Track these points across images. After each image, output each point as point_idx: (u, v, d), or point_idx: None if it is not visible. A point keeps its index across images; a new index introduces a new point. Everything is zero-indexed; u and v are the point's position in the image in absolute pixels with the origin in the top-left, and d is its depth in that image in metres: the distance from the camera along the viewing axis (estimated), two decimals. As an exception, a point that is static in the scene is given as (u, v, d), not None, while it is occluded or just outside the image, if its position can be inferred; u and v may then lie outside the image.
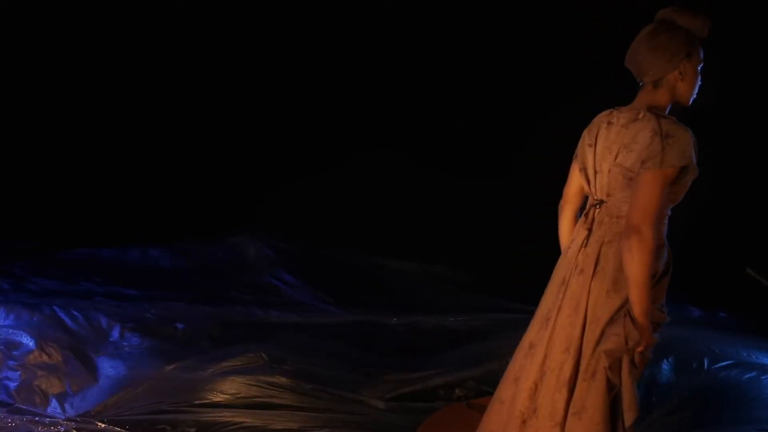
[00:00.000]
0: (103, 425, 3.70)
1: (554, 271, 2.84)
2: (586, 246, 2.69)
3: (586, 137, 2.82)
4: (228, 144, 7.32)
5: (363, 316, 5.28)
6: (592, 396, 2.60)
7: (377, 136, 6.98)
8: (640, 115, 2.65)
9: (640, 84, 2.75)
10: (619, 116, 2.72)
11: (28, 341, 4.42)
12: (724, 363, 4.50)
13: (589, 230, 2.71)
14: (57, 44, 7.08)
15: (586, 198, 2.89)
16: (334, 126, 7.22)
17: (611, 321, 2.60)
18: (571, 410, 2.62)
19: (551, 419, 2.65)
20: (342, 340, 4.85)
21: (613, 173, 2.67)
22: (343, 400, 4.04)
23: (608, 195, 2.69)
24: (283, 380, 4.16)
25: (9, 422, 3.65)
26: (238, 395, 3.95)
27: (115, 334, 4.59)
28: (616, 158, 2.66)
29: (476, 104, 7.00)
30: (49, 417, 3.76)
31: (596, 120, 2.85)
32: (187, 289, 5.61)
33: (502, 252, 6.34)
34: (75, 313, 4.79)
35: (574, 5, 6.28)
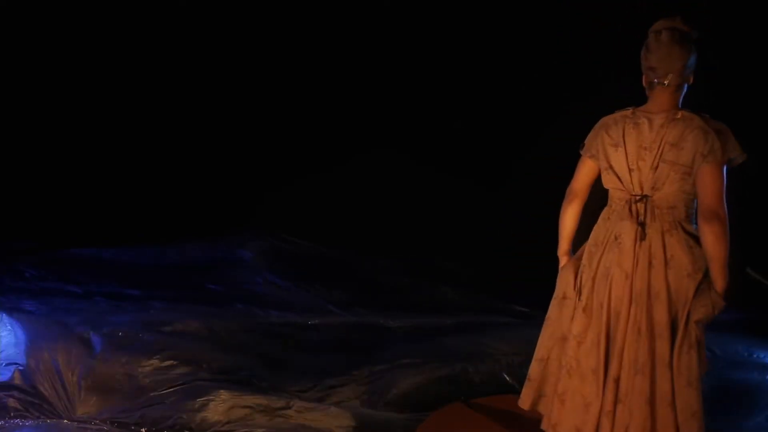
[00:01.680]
0: (104, 426, 3.70)
1: (597, 264, 3.01)
2: (643, 239, 2.92)
3: (605, 137, 2.99)
4: (228, 144, 7.31)
5: (362, 317, 5.28)
6: (694, 365, 2.92)
7: (377, 136, 6.97)
8: (678, 115, 2.91)
9: (664, 84, 2.92)
10: (650, 116, 2.94)
11: (28, 342, 4.41)
12: (725, 363, 4.50)
13: (641, 223, 2.93)
14: (57, 44, 7.08)
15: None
16: (334, 126, 7.22)
17: (695, 296, 2.92)
18: (681, 383, 2.92)
19: (663, 401, 2.91)
20: (342, 340, 4.85)
21: (662, 169, 2.90)
22: (342, 400, 4.04)
23: (654, 189, 2.93)
24: (282, 380, 4.16)
25: (12, 424, 3.66)
26: (238, 396, 3.95)
27: (115, 334, 4.58)
28: (661, 155, 2.90)
29: (476, 104, 6.99)
30: (51, 418, 3.77)
31: (611, 120, 3.02)
32: (187, 289, 5.61)
33: (502, 252, 6.34)
34: (75, 312, 4.79)
35: (575, 5, 6.28)
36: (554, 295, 3.18)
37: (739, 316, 5.58)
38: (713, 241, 2.83)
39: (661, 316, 2.91)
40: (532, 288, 5.82)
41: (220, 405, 3.92)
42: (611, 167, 2.98)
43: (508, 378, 4.29)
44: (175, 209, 6.99)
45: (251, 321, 5.03)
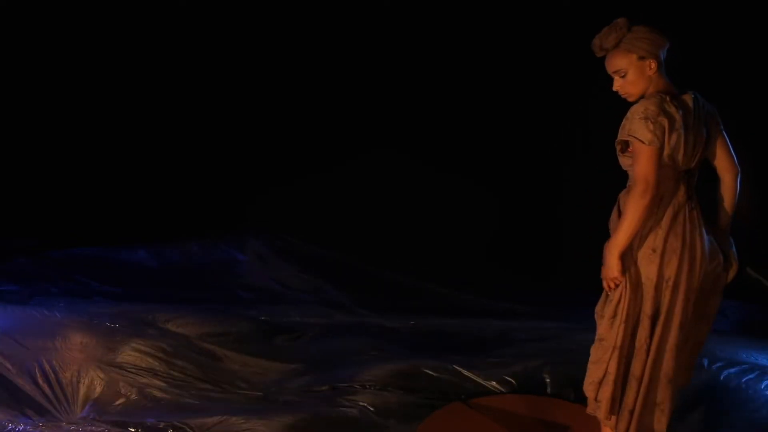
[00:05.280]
0: (102, 428, 3.70)
1: (663, 242, 3.20)
2: (695, 209, 3.23)
3: (666, 125, 3.13)
4: (228, 144, 7.31)
5: (363, 318, 5.28)
6: None
7: (377, 136, 6.97)
8: (693, 96, 3.22)
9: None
10: (683, 99, 3.20)
11: (27, 343, 4.41)
12: (724, 363, 4.50)
13: (690, 195, 3.22)
14: (57, 43, 7.08)
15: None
16: (333, 126, 7.21)
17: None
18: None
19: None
20: (342, 340, 4.85)
21: (699, 144, 3.21)
22: (343, 400, 4.04)
23: (694, 163, 3.23)
24: (282, 381, 4.16)
25: (13, 425, 3.65)
26: (237, 396, 3.95)
27: (115, 334, 4.58)
28: (698, 131, 3.20)
29: (476, 104, 6.99)
30: (53, 420, 3.76)
31: (660, 107, 3.15)
32: (187, 289, 5.61)
33: (503, 253, 6.34)
34: (75, 314, 4.78)
35: (575, 4, 6.28)
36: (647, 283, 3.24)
37: (738, 317, 5.59)
38: (737, 191, 3.29)
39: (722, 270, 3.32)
40: (534, 290, 5.86)
41: (218, 406, 3.92)
42: (673, 153, 3.17)
43: (509, 378, 4.29)
44: (175, 208, 6.99)
45: (251, 321, 5.03)
